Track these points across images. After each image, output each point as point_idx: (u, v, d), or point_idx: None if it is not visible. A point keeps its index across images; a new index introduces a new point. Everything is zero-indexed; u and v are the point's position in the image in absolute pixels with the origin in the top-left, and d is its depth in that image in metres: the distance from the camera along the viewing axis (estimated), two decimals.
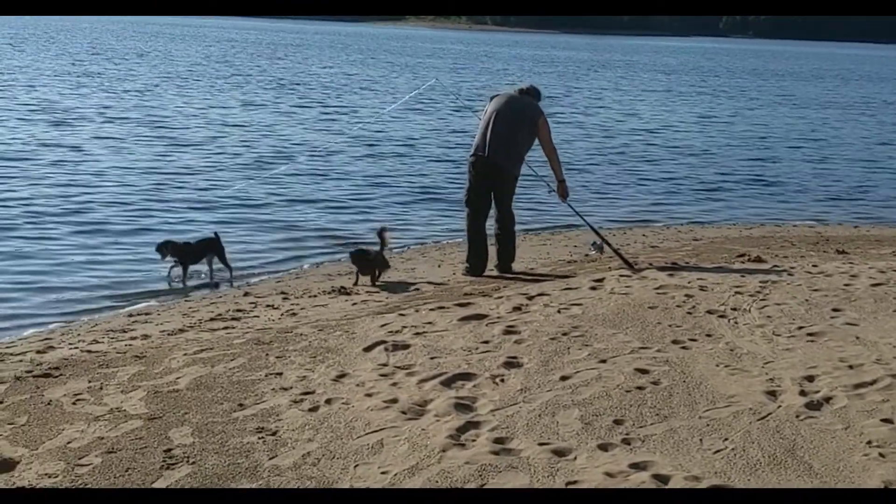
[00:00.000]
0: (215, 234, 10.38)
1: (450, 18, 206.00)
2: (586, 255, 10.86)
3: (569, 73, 55.46)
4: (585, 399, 5.12)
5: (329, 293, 9.52)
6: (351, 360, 6.13)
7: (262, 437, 4.83)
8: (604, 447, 4.52)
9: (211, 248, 10.26)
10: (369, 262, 9.75)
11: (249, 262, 11.13)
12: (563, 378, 5.48)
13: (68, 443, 4.88)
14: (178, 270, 10.08)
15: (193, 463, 4.55)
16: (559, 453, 4.46)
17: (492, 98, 9.96)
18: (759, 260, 10.13)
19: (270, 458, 4.58)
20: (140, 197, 14.16)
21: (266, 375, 5.85)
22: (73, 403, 5.53)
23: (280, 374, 5.88)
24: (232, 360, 6.25)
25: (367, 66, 54.70)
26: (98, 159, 17.22)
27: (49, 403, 5.54)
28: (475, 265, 9.87)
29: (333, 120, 25.84)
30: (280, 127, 23.63)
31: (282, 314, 8.53)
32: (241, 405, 5.33)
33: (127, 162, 17.14)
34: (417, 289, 9.48)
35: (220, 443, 4.78)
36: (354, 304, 8.87)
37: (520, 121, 9.62)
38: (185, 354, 6.47)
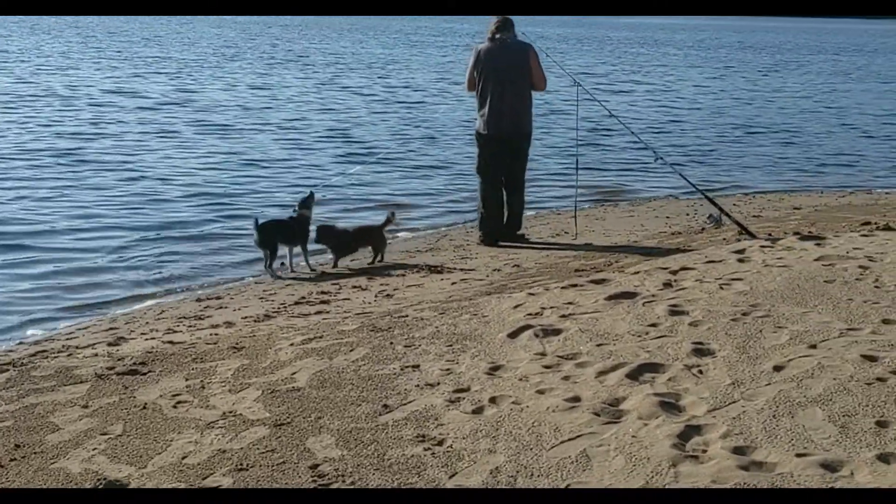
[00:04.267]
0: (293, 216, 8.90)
1: None
2: (702, 228, 9.78)
3: (796, 61, 51.09)
4: (821, 395, 4.06)
5: (417, 271, 8.51)
6: (496, 348, 5.10)
7: (429, 448, 3.81)
8: (884, 458, 3.48)
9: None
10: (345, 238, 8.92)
11: None
12: (777, 368, 4.43)
13: (183, 458, 3.89)
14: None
15: (353, 483, 3.55)
16: (829, 467, 3.42)
17: (478, 54, 9.07)
18: (888, 228, 9.04)
19: (451, 476, 3.57)
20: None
21: (402, 369, 4.83)
22: (174, 407, 4.54)
23: (417, 366, 4.86)
24: (351, 349, 5.23)
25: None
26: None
27: (145, 407, 4.55)
28: (490, 232, 9.46)
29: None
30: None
31: (375, 296, 7.53)
32: (385, 406, 4.32)
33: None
34: (517, 265, 8.46)
35: (378, 455, 3.77)
36: (454, 283, 7.86)
37: (515, 70, 8.98)
38: (291, 345, 5.46)
